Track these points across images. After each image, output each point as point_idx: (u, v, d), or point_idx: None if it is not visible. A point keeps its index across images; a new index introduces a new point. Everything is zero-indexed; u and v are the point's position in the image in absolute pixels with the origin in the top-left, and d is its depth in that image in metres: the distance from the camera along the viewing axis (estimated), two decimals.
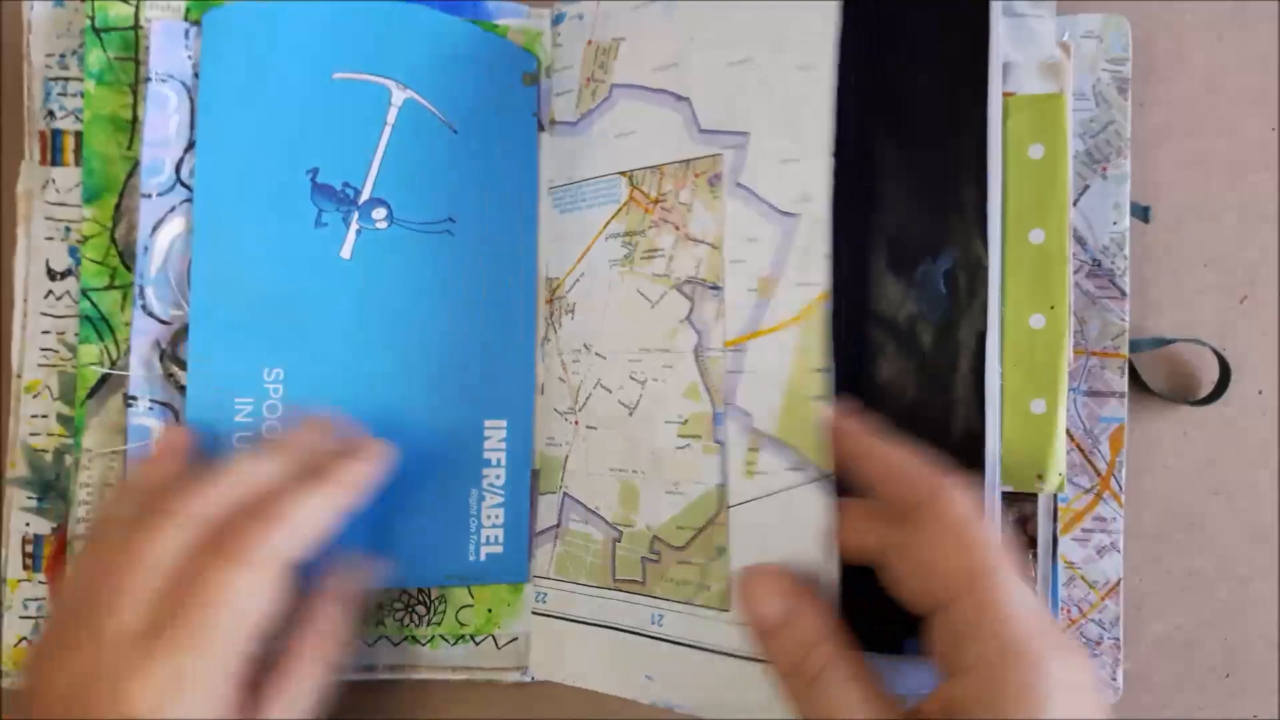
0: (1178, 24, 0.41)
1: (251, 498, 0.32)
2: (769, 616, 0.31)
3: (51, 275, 0.40)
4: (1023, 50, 0.38)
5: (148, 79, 0.38)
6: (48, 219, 0.40)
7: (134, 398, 0.38)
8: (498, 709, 0.41)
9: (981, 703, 0.27)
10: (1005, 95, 0.37)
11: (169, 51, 0.38)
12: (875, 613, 0.35)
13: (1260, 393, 0.40)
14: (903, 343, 0.36)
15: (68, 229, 0.40)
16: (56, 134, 0.40)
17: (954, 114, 0.36)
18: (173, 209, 0.38)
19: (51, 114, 0.40)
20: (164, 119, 0.38)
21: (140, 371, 0.38)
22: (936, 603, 0.29)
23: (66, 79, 0.40)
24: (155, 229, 0.38)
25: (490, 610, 0.41)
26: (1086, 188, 0.39)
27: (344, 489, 0.34)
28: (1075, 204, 0.39)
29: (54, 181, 0.40)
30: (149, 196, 0.38)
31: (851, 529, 0.32)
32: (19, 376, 0.40)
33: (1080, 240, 0.39)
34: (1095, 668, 0.28)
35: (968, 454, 0.35)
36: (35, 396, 0.40)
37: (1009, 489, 0.37)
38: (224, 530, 0.31)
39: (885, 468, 0.32)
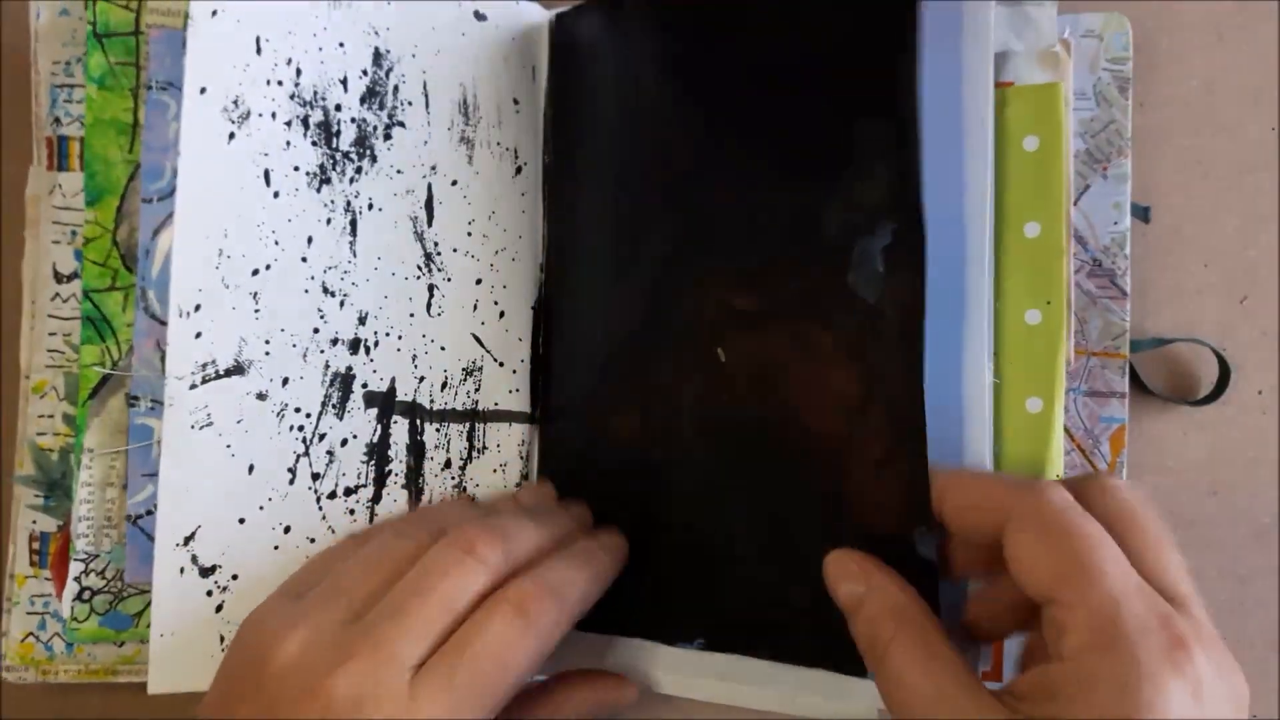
0: (1178, 24, 0.41)
1: (531, 559, 0.34)
2: (843, 598, 0.32)
3: (58, 278, 0.41)
4: (1022, 39, 0.38)
5: (148, 87, 0.39)
6: (54, 223, 0.41)
7: (136, 398, 0.38)
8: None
9: (1070, 693, 0.26)
10: (1003, 85, 0.37)
11: (168, 60, 0.38)
12: (844, 631, 0.34)
13: (1260, 393, 0.40)
14: (848, 333, 0.35)
15: (73, 232, 0.41)
16: (62, 140, 0.41)
17: (878, 75, 0.35)
18: (172, 213, 0.37)
19: (58, 120, 0.41)
20: (164, 126, 0.39)
21: (143, 372, 0.38)
22: (1039, 606, 0.28)
23: (72, 86, 0.41)
24: (156, 233, 0.38)
25: None
26: (1087, 187, 0.39)
27: (605, 581, 0.35)
28: (1076, 204, 0.39)
29: (60, 186, 0.41)
30: (149, 201, 0.39)
31: (975, 518, 0.32)
32: (27, 377, 0.41)
33: (1081, 240, 0.39)
34: (1219, 665, 0.26)
35: (913, 448, 0.34)
36: (42, 397, 0.41)
37: None
38: (522, 595, 0.32)
39: (963, 496, 0.31)
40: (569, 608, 0.33)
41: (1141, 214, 0.40)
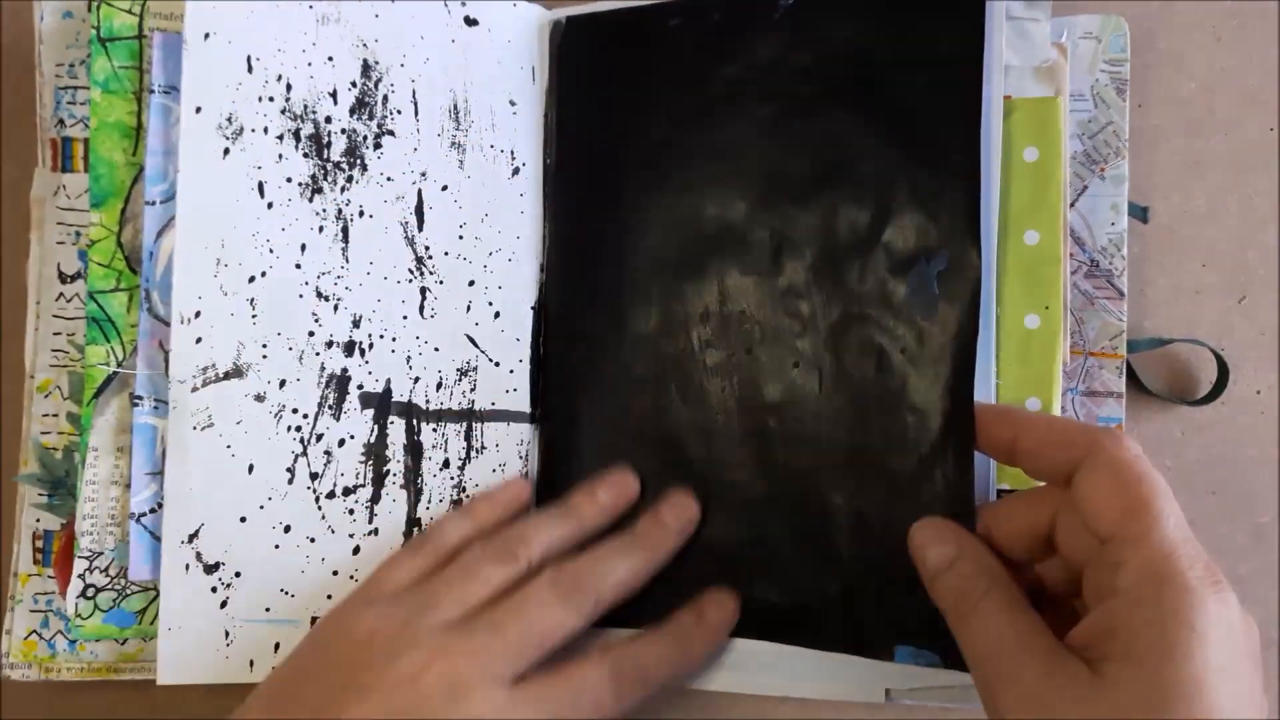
0: (1176, 24, 0.41)
1: (617, 594, 0.37)
2: (934, 559, 0.33)
3: (62, 278, 0.41)
4: (1018, 53, 0.38)
5: (151, 90, 0.39)
6: (59, 224, 0.41)
7: (139, 397, 0.39)
8: None
9: (1130, 623, 0.28)
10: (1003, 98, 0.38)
11: (170, 64, 0.39)
12: (869, 617, 0.36)
13: (1259, 393, 0.40)
14: (898, 345, 0.36)
15: (77, 233, 0.41)
16: (66, 141, 0.41)
17: (947, 116, 0.36)
18: (175, 216, 0.38)
19: (62, 122, 0.41)
20: (166, 130, 0.39)
21: (146, 371, 0.39)
22: (1094, 545, 0.30)
23: (75, 88, 0.41)
24: (159, 235, 0.39)
25: None
26: (1085, 188, 0.39)
27: (660, 556, 0.38)
28: (1073, 205, 0.39)
29: (64, 187, 0.41)
30: (152, 204, 0.39)
31: (1022, 514, 0.33)
32: (32, 377, 0.41)
33: (1078, 241, 0.39)
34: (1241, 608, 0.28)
35: (959, 455, 0.35)
36: (47, 396, 0.41)
37: (1005, 487, 0.37)
38: (574, 580, 0.36)
39: (1043, 434, 0.32)
40: (613, 593, 0.36)
41: (1139, 214, 0.40)
